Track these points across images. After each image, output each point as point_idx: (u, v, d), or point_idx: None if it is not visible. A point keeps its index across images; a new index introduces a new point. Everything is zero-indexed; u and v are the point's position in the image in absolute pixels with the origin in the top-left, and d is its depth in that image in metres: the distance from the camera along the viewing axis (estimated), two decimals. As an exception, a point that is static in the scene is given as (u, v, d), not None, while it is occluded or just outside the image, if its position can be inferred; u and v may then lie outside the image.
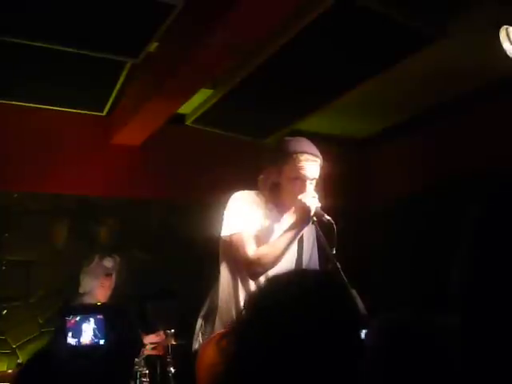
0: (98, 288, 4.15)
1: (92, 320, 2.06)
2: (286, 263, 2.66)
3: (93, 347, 2.04)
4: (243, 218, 2.65)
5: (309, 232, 2.79)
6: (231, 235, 2.64)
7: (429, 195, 5.12)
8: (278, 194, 2.73)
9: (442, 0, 3.34)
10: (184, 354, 3.91)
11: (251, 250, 2.58)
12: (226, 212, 2.72)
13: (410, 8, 3.37)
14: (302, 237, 2.76)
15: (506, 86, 4.23)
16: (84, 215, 4.90)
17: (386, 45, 3.74)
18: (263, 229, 2.68)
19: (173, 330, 4.03)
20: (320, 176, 2.71)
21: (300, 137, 2.79)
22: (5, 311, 4.37)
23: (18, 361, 4.11)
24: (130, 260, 4.96)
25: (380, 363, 1.27)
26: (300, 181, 2.66)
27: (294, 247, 2.73)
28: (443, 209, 4.92)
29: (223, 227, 2.70)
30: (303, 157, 2.64)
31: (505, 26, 3.08)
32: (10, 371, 3.85)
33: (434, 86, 4.47)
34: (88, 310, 2.16)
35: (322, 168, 2.71)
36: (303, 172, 2.64)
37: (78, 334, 2.05)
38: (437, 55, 3.87)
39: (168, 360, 3.97)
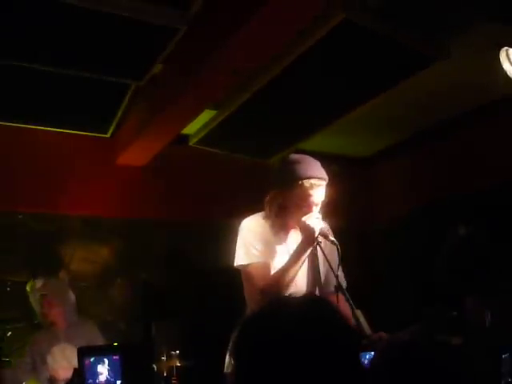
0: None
1: (107, 361, 2.06)
2: (302, 286, 2.70)
3: None
4: (249, 249, 2.69)
5: (331, 254, 2.73)
6: (242, 267, 2.70)
7: (431, 213, 5.13)
8: (283, 216, 2.74)
9: (443, 21, 3.38)
10: (188, 376, 3.91)
11: (261, 282, 2.61)
12: (236, 241, 2.76)
13: (412, 29, 3.41)
14: (317, 258, 2.77)
15: (506, 105, 4.26)
16: (88, 236, 4.91)
17: (388, 66, 3.77)
18: (269, 252, 2.70)
19: (177, 351, 4.00)
20: (325, 197, 2.71)
21: (305, 155, 2.77)
22: (9, 333, 4.35)
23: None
24: (134, 280, 4.97)
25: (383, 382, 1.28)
26: (306, 205, 2.66)
27: (305, 268, 2.74)
28: (445, 226, 4.92)
29: (234, 257, 2.75)
30: (309, 183, 2.62)
31: (505, 48, 3.11)
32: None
33: (435, 105, 4.51)
34: (104, 351, 2.16)
35: (327, 189, 2.71)
36: (310, 199, 2.64)
37: (93, 375, 2.05)
38: (438, 75, 3.91)
39: (173, 381, 3.94)
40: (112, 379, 2.04)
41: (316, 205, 2.68)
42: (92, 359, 2.05)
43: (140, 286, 4.97)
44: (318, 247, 2.72)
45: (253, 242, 2.69)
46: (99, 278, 4.88)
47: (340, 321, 1.13)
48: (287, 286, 2.59)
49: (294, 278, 2.62)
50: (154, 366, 3.73)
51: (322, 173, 2.69)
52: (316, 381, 1.02)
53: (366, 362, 2.19)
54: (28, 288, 4.15)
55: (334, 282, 2.76)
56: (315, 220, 2.64)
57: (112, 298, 4.90)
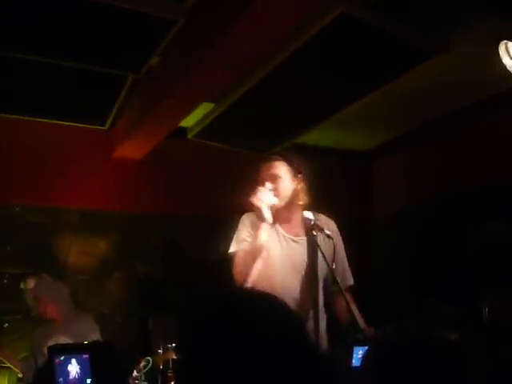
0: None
1: (76, 359, 2.07)
2: (294, 288, 2.77)
3: None
4: (239, 237, 2.88)
5: (327, 248, 2.79)
6: (231, 254, 2.87)
7: (430, 207, 5.13)
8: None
9: (442, 15, 3.36)
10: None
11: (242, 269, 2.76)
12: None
13: (411, 24, 3.39)
14: (315, 252, 2.79)
15: (506, 99, 4.25)
16: (85, 229, 4.90)
17: (386, 61, 3.76)
18: (253, 237, 2.81)
19: (173, 344, 4.00)
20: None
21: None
22: (6, 324, 4.35)
23: (19, 375, 4.08)
24: (131, 273, 4.97)
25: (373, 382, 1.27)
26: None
27: (302, 261, 2.81)
28: (444, 220, 4.93)
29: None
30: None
31: (504, 41, 3.09)
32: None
33: (435, 100, 4.50)
34: (74, 350, 2.17)
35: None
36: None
37: (63, 373, 2.05)
38: (437, 69, 3.89)
39: (169, 374, 3.94)
40: (82, 377, 2.05)
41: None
42: (62, 358, 2.05)
43: (137, 279, 4.97)
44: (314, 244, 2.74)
45: (240, 230, 2.90)
46: (96, 271, 4.88)
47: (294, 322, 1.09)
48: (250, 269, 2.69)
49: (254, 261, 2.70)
50: (150, 359, 3.72)
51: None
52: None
53: (359, 356, 2.19)
54: (22, 287, 4.15)
55: (346, 278, 2.89)
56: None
57: (109, 291, 4.90)
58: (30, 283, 4.11)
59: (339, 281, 2.62)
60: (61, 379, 2.05)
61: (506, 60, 3.15)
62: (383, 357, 1.29)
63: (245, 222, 2.89)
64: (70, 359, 2.06)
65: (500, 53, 3.13)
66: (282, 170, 2.86)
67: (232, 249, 2.87)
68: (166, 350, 4.00)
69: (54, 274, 4.29)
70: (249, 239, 2.81)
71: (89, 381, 2.06)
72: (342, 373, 2.18)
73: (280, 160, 2.88)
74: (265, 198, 2.75)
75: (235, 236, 2.90)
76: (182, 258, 5.03)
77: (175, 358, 3.97)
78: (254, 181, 2.86)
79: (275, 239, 2.83)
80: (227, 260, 3.06)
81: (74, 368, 2.06)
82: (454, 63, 3.81)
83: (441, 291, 4.69)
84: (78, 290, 4.34)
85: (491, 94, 4.28)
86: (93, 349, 2.13)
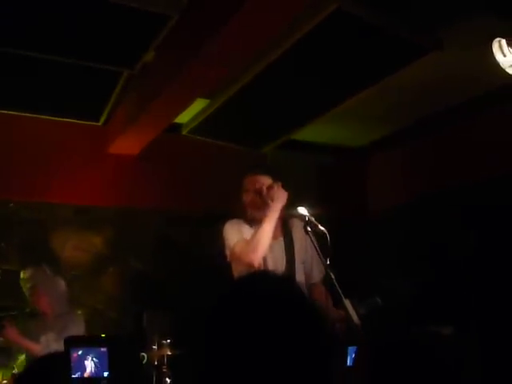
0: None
1: (95, 353, 2.05)
2: (275, 265, 3.13)
3: (96, 380, 2.03)
4: (233, 234, 3.24)
5: (302, 238, 3.16)
6: (231, 250, 3.19)
7: (424, 204, 5.13)
8: (252, 211, 3.29)
9: (436, 12, 3.37)
10: (180, 365, 3.91)
11: (238, 246, 3.14)
12: (224, 241, 3.27)
13: (405, 20, 3.40)
14: (292, 241, 3.23)
15: (499, 96, 4.26)
16: (80, 224, 4.89)
17: (381, 57, 3.76)
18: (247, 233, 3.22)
19: (168, 340, 4.01)
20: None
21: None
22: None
23: (14, 371, 4.08)
24: (125, 269, 4.96)
25: (366, 380, 1.28)
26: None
27: (281, 250, 3.19)
28: (438, 218, 4.94)
29: (226, 252, 3.27)
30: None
31: (497, 38, 3.10)
32: (5, 382, 3.82)
33: (429, 96, 4.50)
34: (91, 343, 2.15)
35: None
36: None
37: (80, 367, 2.03)
38: (431, 66, 3.90)
39: (164, 370, 3.95)
40: (99, 371, 2.04)
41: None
42: (80, 352, 2.04)
43: (132, 275, 4.97)
44: (308, 236, 2.84)
45: (237, 229, 3.24)
46: (91, 266, 4.87)
47: (311, 305, 1.15)
48: (258, 247, 3.03)
49: (266, 245, 3.04)
50: (145, 355, 3.73)
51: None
52: (282, 362, 1.03)
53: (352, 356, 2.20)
54: (21, 277, 4.17)
55: (317, 274, 3.20)
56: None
57: (103, 287, 4.89)
58: (29, 272, 4.13)
59: (333, 277, 2.65)
60: (78, 373, 2.04)
61: (499, 57, 3.15)
62: (376, 351, 1.30)
63: (234, 227, 3.28)
64: (88, 353, 2.05)
65: (494, 50, 3.13)
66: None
67: (231, 242, 3.19)
68: (160, 346, 4.01)
69: (48, 269, 4.29)
70: (246, 232, 3.18)
71: (106, 374, 2.05)
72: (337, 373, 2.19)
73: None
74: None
75: (229, 235, 3.23)
76: (177, 253, 5.02)
77: (170, 353, 3.98)
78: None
79: None
80: (223, 256, 3.12)
81: (90, 362, 2.05)
82: (448, 60, 3.81)
83: (435, 288, 4.70)
84: (72, 286, 4.32)
85: (485, 90, 4.29)
86: (111, 342, 2.12)
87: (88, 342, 2.18)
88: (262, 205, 3.20)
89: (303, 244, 3.23)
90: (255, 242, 3.04)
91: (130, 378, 2.11)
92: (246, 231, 3.23)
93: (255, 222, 3.23)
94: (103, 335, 3.20)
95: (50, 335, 3.86)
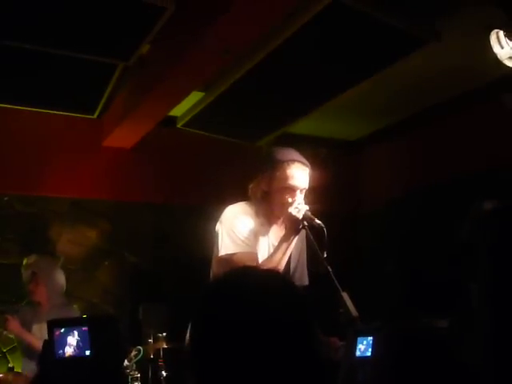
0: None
1: (76, 332, 2.09)
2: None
3: (77, 359, 2.06)
4: (235, 237, 2.68)
5: (298, 239, 2.82)
6: (228, 256, 2.66)
7: (418, 197, 5.14)
8: (267, 203, 2.76)
9: (433, 3, 3.35)
10: (175, 358, 3.91)
11: (240, 258, 2.63)
12: (220, 229, 2.75)
13: (402, 12, 3.38)
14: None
15: (495, 89, 4.25)
16: (75, 218, 4.88)
17: (377, 49, 3.74)
18: (254, 242, 2.72)
19: (164, 334, 4.00)
20: (309, 185, 2.77)
21: (289, 147, 2.81)
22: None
23: (9, 365, 4.07)
24: (120, 263, 4.96)
25: (389, 371, 1.27)
26: (289, 190, 2.69)
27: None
28: (432, 211, 4.94)
29: (219, 247, 2.72)
30: (293, 165, 2.68)
31: (495, 30, 3.09)
32: (0, 375, 3.82)
33: (425, 89, 4.49)
34: (73, 322, 2.20)
35: (310, 177, 2.75)
36: (292, 181, 2.68)
37: (62, 345, 2.08)
38: (427, 58, 3.88)
39: (159, 364, 3.95)
40: (81, 349, 2.09)
41: (298, 189, 2.71)
42: (62, 330, 2.09)
43: (127, 268, 4.96)
44: (304, 230, 2.75)
45: (239, 230, 2.70)
46: (86, 260, 4.87)
47: (300, 296, 1.14)
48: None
49: (281, 266, 2.66)
50: (141, 349, 3.72)
51: (305, 160, 2.74)
52: (270, 354, 1.02)
53: (362, 347, 2.19)
54: (23, 263, 4.15)
55: (305, 265, 2.95)
56: (300, 207, 2.67)
57: (99, 281, 4.89)
58: (32, 258, 4.12)
59: (330, 270, 2.62)
60: (60, 351, 2.08)
61: (496, 49, 3.14)
62: (399, 346, 1.30)
63: (246, 224, 2.72)
64: (70, 331, 2.09)
65: (491, 41, 3.12)
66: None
67: (230, 250, 2.68)
68: (156, 339, 4.01)
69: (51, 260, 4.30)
70: (248, 243, 2.69)
71: (88, 352, 2.09)
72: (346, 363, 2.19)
73: (310, 170, 2.77)
74: (303, 207, 2.68)
75: (230, 234, 2.71)
76: (173, 247, 5.01)
77: (166, 347, 3.98)
78: (286, 187, 2.70)
79: (265, 250, 2.79)
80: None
81: (73, 340, 2.09)
82: (445, 52, 3.80)
83: (429, 282, 4.71)
84: (67, 279, 4.31)
85: (482, 83, 4.28)
86: (92, 322, 2.16)
87: (70, 322, 2.24)
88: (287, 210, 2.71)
89: (299, 245, 2.87)
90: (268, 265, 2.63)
91: (111, 356, 2.14)
92: (254, 232, 2.71)
93: (267, 218, 2.81)
94: (85, 316, 3.26)
95: (43, 326, 3.85)
